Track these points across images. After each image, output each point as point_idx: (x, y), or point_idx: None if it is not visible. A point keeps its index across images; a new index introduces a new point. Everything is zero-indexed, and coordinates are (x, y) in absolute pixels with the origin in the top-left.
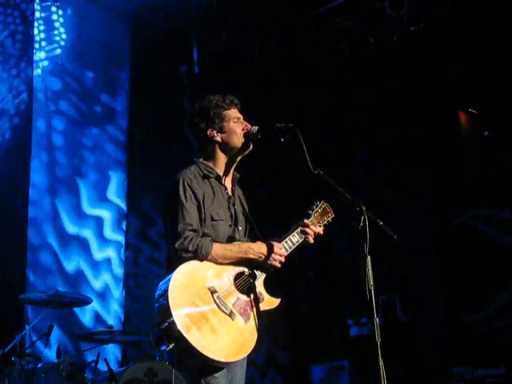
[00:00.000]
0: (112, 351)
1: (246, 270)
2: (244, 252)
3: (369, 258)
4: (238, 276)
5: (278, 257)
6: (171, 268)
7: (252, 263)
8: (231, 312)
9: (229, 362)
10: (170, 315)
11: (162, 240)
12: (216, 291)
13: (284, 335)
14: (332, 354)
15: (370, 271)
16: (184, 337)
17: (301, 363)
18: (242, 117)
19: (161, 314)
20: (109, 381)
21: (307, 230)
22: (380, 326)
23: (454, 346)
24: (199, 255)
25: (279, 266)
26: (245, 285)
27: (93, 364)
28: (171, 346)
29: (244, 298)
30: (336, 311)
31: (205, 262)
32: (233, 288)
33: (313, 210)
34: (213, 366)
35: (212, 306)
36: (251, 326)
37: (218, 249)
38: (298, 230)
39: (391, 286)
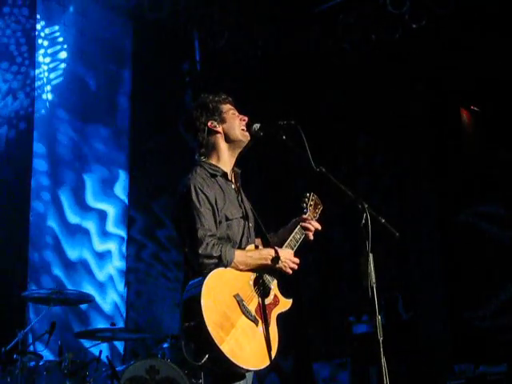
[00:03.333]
0: (114, 349)
1: (262, 274)
2: (264, 259)
3: (371, 255)
4: (257, 281)
5: (292, 264)
6: (193, 274)
7: (267, 267)
8: (255, 318)
9: (257, 369)
10: (202, 321)
11: (166, 239)
12: (242, 299)
13: (285, 335)
14: (334, 352)
15: (372, 269)
16: (219, 348)
17: (303, 361)
18: (236, 110)
19: (188, 314)
20: (110, 378)
21: (308, 225)
22: (382, 324)
23: (456, 344)
24: (223, 262)
25: (291, 272)
26: (263, 290)
27: (94, 362)
28: (205, 359)
29: (264, 302)
30: (338, 309)
31: (228, 269)
32: (254, 294)
33: (307, 204)
34: (237, 373)
35: (239, 313)
36: (273, 330)
37: (239, 256)
38: (299, 226)
39: (393, 284)
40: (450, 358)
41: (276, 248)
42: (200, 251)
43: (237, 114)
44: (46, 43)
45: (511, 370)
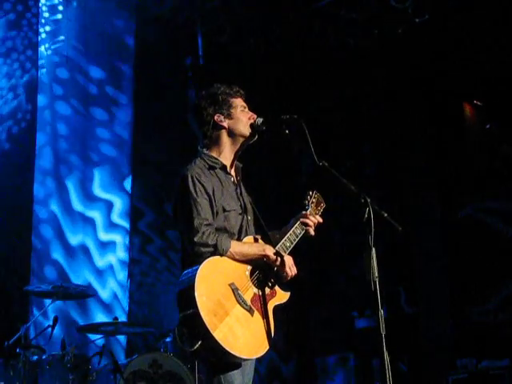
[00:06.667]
0: (117, 343)
1: (259, 265)
2: (261, 250)
3: (374, 249)
4: (253, 272)
5: (289, 272)
6: (189, 263)
7: (265, 261)
8: (250, 308)
9: (251, 359)
10: (195, 308)
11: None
12: (237, 288)
13: (287, 328)
14: (337, 347)
15: (375, 263)
16: (212, 335)
17: (306, 356)
18: (247, 106)
19: (183, 303)
20: (113, 372)
21: (308, 221)
22: (385, 319)
23: (458, 338)
24: (219, 250)
25: (288, 279)
26: (260, 280)
27: (97, 355)
28: (197, 345)
29: (260, 293)
30: (341, 303)
31: (224, 258)
32: (250, 284)
33: (308, 201)
34: (232, 362)
35: (234, 302)
36: (268, 321)
37: (235, 246)
38: (299, 222)
39: (396, 278)
40: (453, 353)
41: (280, 253)
42: (196, 239)
43: (246, 110)
44: (48, 32)
45: None
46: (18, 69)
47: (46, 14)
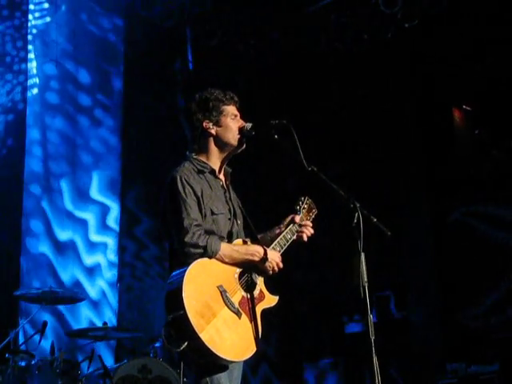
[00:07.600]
0: (106, 348)
1: (248, 268)
2: (251, 254)
3: (363, 254)
4: (242, 275)
5: (277, 268)
6: (178, 263)
7: (254, 264)
8: (238, 311)
9: (237, 361)
10: (182, 309)
11: (148, 238)
12: (225, 290)
13: (277, 332)
14: (326, 351)
15: (364, 268)
16: (198, 336)
17: (294, 360)
18: (239, 115)
19: (171, 304)
20: (103, 378)
21: (305, 230)
22: (374, 323)
23: (448, 343)
24: (208, 252)
25: (271, 273)
26: (248, 283)
27: (87, 361)
28: (184, 346)
29: (248, 296)
30: (331, 308)
31: (213, 261)
32: (238, 287)
33: (300, 207)
34: (219, 364)
35: (221, 304)
36: (256, 324)
37: (225, 248)
38: (291, 226)
39: (386, 283)
40: (442, 357)
41: (265, 247)
42: (186, 240)
43: (237, 118)
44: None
45: (503, 369)
46: (7, 74)
47: (34, 21)
